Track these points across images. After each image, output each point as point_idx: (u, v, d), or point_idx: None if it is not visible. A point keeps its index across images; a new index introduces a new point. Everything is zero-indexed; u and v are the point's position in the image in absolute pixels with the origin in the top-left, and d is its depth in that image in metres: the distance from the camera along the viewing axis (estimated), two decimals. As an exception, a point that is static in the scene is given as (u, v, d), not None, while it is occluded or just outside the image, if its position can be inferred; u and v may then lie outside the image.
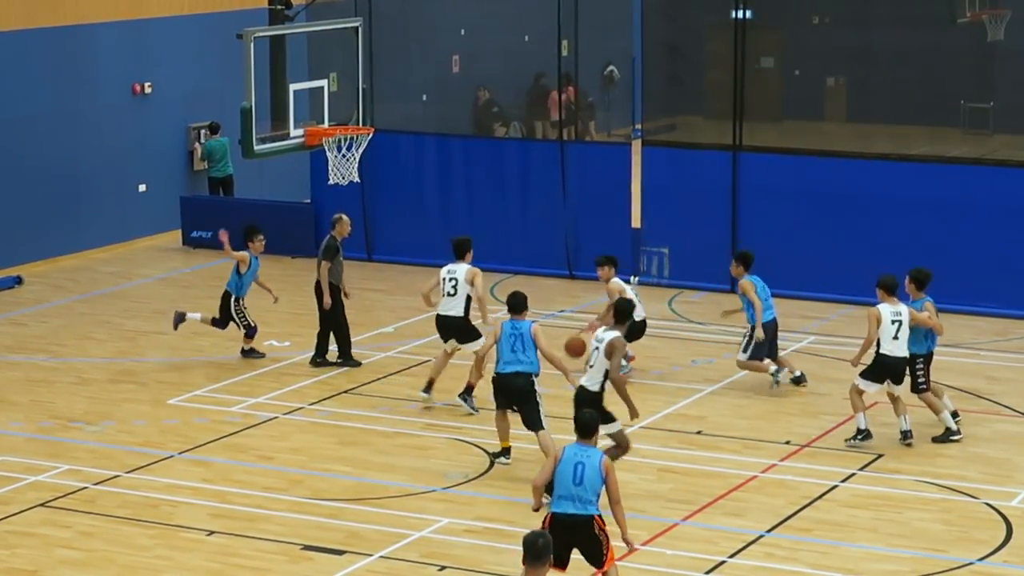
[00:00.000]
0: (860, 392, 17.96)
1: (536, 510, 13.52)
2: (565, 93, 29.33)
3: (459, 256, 19.54)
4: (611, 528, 13.08)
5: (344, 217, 21.35)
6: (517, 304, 17.28)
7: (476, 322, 19.59)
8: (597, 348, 16.18)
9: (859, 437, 17.94)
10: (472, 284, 19.23)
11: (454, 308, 19.27)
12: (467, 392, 19.14)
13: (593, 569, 13.21)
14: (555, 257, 25.76)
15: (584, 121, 34.34)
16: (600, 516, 13.00)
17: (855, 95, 32.60)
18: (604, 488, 12.97)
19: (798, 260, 24.25)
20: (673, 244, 25.39)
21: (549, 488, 13.16)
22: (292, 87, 21.77)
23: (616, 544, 13.25)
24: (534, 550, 9.83)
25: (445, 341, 19.48)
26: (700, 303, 24.39)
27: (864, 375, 17.98)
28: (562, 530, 12.78)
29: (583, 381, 16.21)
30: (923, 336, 18.10)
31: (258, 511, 16.12)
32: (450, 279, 19.30)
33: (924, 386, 18.09)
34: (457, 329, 19.38)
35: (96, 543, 15.37)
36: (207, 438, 18.38)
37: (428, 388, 19.40)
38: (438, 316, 19.46)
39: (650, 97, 27.76)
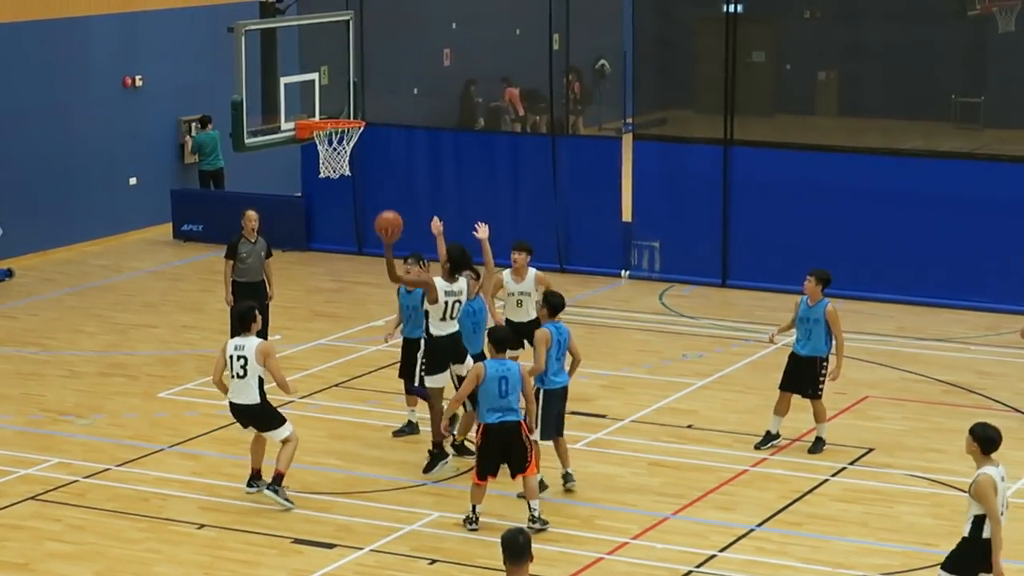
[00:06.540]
0: None
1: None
2: (571, 87, 29.26)
3: (244, 328, 15.90)
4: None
5: (247, 212, 20.59)
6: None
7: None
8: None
9: None
10: (264, 364, 15.74)
11: (246, 394, 15.81)
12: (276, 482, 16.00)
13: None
14: (546, 251, 25.67)
15: (574, 115, 34.30)
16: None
17: (847, 89, 32.58)
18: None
19: (789, 254, 24.24)
20: (664, 238, 25.41)
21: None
22: (283, 80, 21.76)
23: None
24: (515, 547, 9.36)
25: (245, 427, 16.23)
26: (691, 297, 24.40)
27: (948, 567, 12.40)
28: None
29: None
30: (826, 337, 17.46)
31: (248, 504, 16.10)
32: (238, 357, 15.75)
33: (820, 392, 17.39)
34: (255, 416, 15.98)
35: (86, 536, 15.36)
36: (198, 431, 18.36)
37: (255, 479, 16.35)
38: (231, 404, 16.01)
39: (641, 91, 27.74)
